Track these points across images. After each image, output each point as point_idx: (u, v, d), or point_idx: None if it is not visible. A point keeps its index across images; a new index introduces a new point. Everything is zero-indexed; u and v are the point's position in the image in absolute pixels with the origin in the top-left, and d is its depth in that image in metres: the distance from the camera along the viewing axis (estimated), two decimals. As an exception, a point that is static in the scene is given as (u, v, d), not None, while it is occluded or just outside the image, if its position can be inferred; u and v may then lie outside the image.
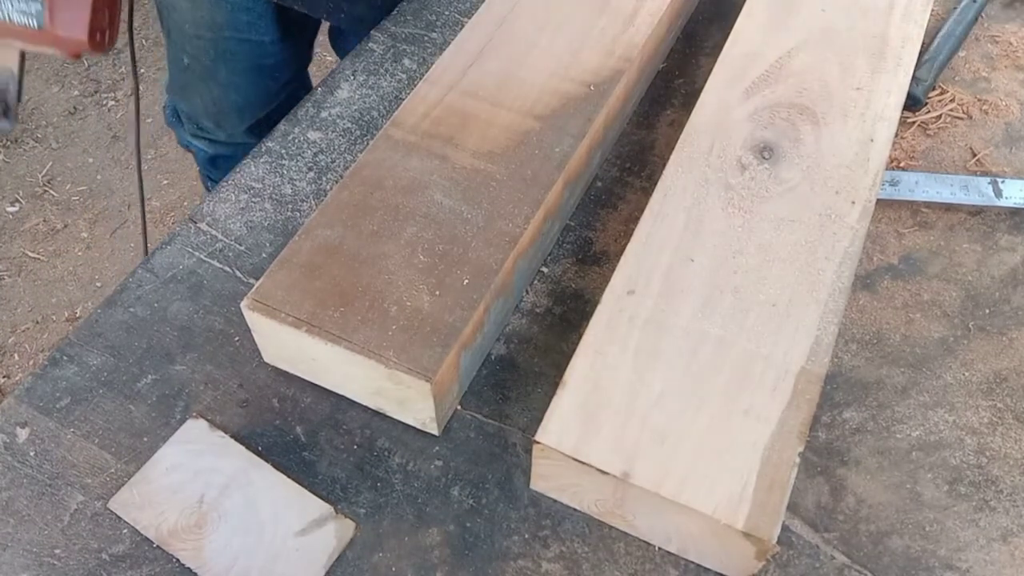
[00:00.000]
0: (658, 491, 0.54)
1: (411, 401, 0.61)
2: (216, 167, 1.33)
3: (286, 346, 0.64)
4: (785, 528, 0.62)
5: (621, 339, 0.60)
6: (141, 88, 2.10)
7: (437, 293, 0.62)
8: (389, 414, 0.65)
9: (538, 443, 0.56)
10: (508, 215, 0.66)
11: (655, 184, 0.69)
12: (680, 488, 0.54)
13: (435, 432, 0.64)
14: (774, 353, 0.60)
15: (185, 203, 1.92)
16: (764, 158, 0.70)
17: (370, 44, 0.90)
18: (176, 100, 1.24)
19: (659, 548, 0.61)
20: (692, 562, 0.60)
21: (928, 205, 0.80)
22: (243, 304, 0.62)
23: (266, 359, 0.67)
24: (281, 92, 1.18)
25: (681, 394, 0.58)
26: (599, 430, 0.56)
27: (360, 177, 0.69)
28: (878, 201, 0.75)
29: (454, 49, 0.78)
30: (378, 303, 0.61)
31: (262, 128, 1.18)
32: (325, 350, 0.60)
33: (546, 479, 0.60)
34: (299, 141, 0.82)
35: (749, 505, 0.53)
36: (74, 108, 2.10)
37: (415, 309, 0.61)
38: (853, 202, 0.68)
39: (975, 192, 0.78)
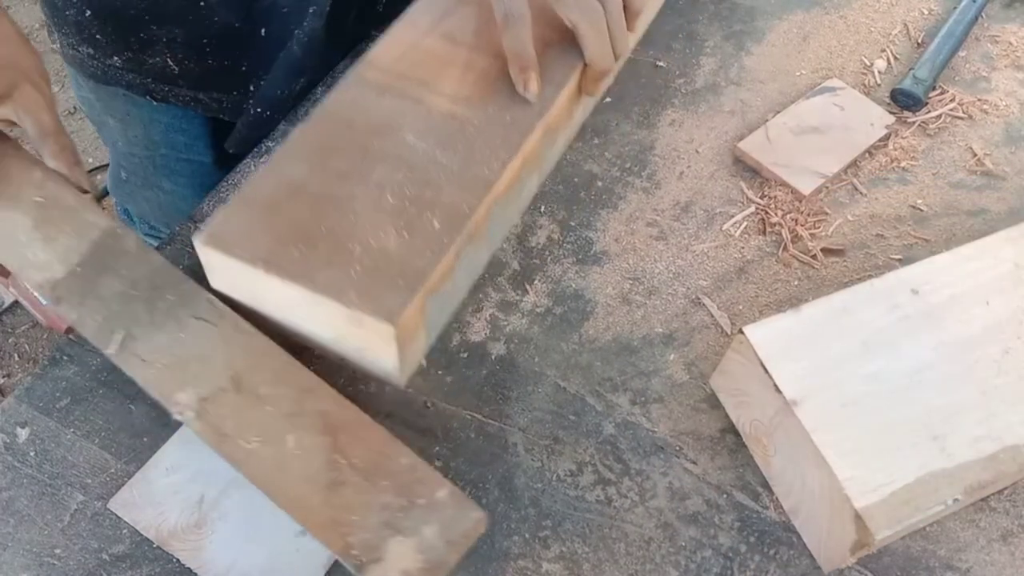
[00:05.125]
0: None
1: (373, 348, 0.58)
2: None
3: (244, 287, 0.60)
4: (785, 527, 0.62)
5: None
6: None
7: (405, 235, 0.58)
8: (352, 363, 0.61)
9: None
10: (484, 159, 0.63)
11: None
12: None
13: (399, 383, 0.60)
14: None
15: (185, 203, 1.93)
16: None
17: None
18: (123, 202, 1.11)
19: (659, 548, 0.61)
20: (693, 563, 0.60)
21: (928, 204, 0.80)
22: (196, 239, 0.57)
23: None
24: None
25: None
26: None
27: (328, 116, 0.65)
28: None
29: None
30: (342, 244, 0.58)
31: None
32: (283, 290, 0.57)
33: None
34: (299, 141, 0.82)
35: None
36: (74, 108, 2.10)
37: (381, 251, 0.57)
38: None
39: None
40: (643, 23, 0.78)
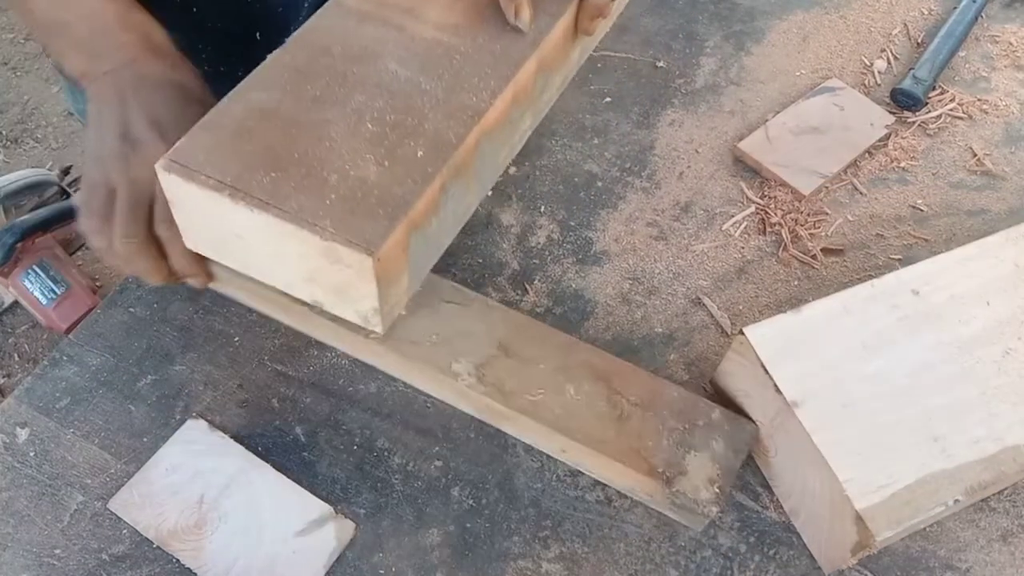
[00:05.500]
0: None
1: (351, 287, 0.53)
2: None
3: (208, 220, 0.55)
4: (786, 527, 0.62)
5: None
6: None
7: (386, 164, 0.54)
8: (327, 309, 0.56)
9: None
10: (472, 88, 0.58)
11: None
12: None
13: (379, 329, 0.56)
14: None
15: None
16: None
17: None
18: None
19: (659, 547, 0.61)
20: (692, 563, 0.60)
21: (928, 204, 0.80)
22: (158, 165, 0.53)
23: (188, 244, 0.59)
24: None
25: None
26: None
27: (304, 42, 0.61)
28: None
29: None
30: (316, 171, 0.53)
31: None
32: (251, 220, 0.52)
33: None
34: (299, 141, 0.82)
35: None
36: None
37: (359, 179, 0.53)
38: None
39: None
40: None
